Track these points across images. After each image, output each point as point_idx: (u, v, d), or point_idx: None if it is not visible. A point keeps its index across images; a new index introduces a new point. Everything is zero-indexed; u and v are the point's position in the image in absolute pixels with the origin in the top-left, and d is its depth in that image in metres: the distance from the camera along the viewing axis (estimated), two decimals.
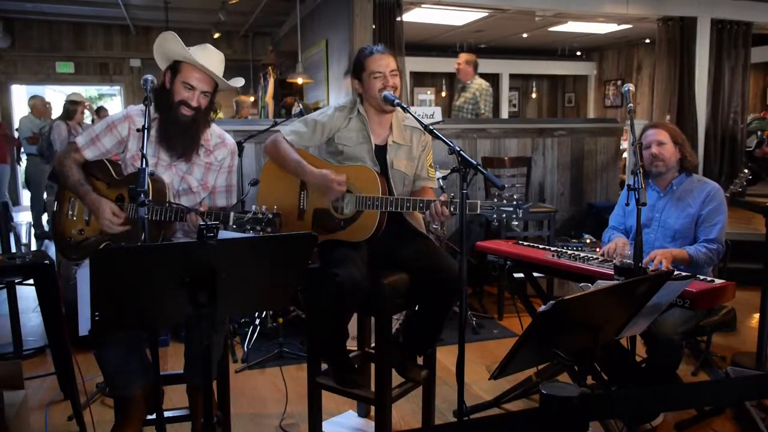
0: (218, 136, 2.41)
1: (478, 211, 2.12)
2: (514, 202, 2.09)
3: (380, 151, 2.46)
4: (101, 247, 2.27)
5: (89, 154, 2.31)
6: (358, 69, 2.43)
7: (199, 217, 2.14)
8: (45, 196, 7.03)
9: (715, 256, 2.67)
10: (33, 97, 7.77)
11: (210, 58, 2.25)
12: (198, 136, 2.30)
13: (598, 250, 2.77)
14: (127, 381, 2.09)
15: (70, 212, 2.38)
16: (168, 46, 2.22)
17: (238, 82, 2.38)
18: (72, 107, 6.61)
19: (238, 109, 7.58)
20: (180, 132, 2.24)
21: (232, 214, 2.07)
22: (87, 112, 6.86)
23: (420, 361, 2.55)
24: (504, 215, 2.11)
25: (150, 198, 2.11)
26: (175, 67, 2.23)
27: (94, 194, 2.24)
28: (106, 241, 2.28)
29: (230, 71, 2.31)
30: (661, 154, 2.76)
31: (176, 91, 2.22)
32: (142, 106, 2.29)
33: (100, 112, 7.87)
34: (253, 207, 2.06)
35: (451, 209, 2.18)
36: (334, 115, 2.47)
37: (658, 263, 2.51)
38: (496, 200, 2.11)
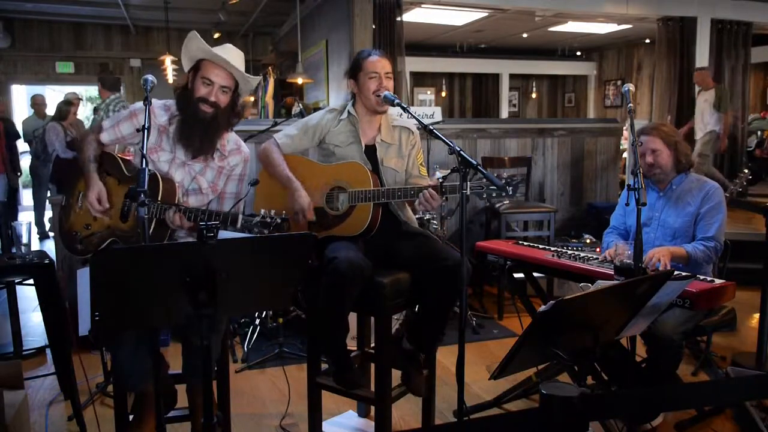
0: (235, 142, 2.45)
1: (468, 192, 2.07)
2: (503, 181, 2.09)
3: (370, 151, 2.52)
4: (107, 243, 2.30)
5: (105, 136, 2.38)
6: (354, 69, 2.51)
7: (182, 216, 2.16)
8: (48, 194, 6.99)
9: (713, 253, 2.67)
10: (34, 96, 7.72)
11: (230, 54, 2.29)
12: (216, 136, 2.34)
13: (598, 250, 2.77)
14: (140, 377, 2.13)
15: (78, 207, 2.40)
16: (190, 44, 2.28)
17: (254, 79, 2.40)
18: (65, 108, 6.56)
19: (242, 110, 7.56)
20: (200, 129, 2.27)
21: (240, 216, 2.08)
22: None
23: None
24: (494, 194, 2.11)
25: (160, 198, 2.18)
26: (197, 65, 2.29)
27: (95, 175, 2.30)
28: (112, 237, 2.31)
29: None
30: (657, 162, 2.75)
31: (196, 88, 2.27)
32: (165, 101, 2.37)
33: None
34: (262, 211, 2.05)
35: (443, 197, 2.22)
36: (325, 117, 2.56)
37: (656, 262, 2.51)
38: (485, 180, 2.10)
